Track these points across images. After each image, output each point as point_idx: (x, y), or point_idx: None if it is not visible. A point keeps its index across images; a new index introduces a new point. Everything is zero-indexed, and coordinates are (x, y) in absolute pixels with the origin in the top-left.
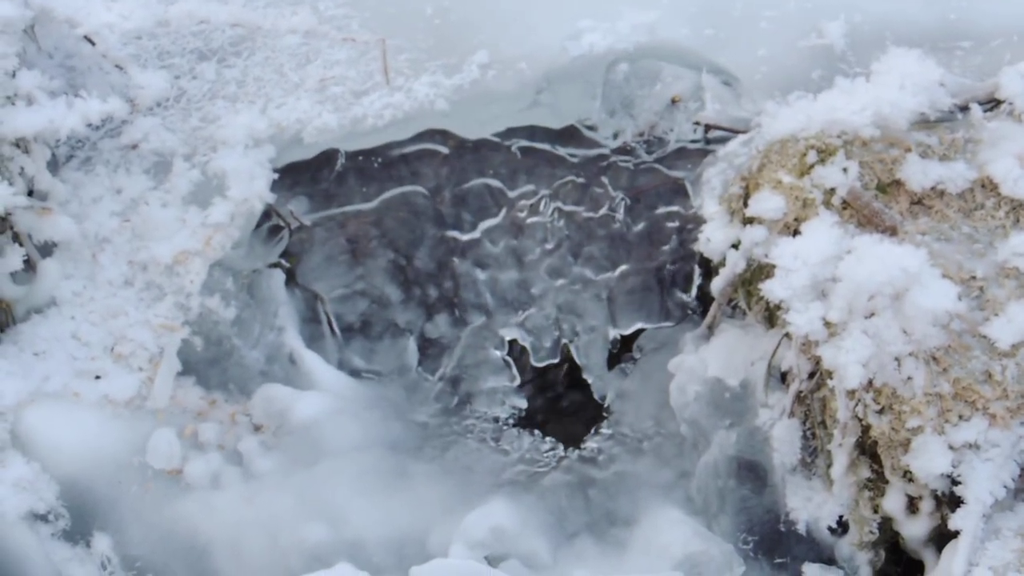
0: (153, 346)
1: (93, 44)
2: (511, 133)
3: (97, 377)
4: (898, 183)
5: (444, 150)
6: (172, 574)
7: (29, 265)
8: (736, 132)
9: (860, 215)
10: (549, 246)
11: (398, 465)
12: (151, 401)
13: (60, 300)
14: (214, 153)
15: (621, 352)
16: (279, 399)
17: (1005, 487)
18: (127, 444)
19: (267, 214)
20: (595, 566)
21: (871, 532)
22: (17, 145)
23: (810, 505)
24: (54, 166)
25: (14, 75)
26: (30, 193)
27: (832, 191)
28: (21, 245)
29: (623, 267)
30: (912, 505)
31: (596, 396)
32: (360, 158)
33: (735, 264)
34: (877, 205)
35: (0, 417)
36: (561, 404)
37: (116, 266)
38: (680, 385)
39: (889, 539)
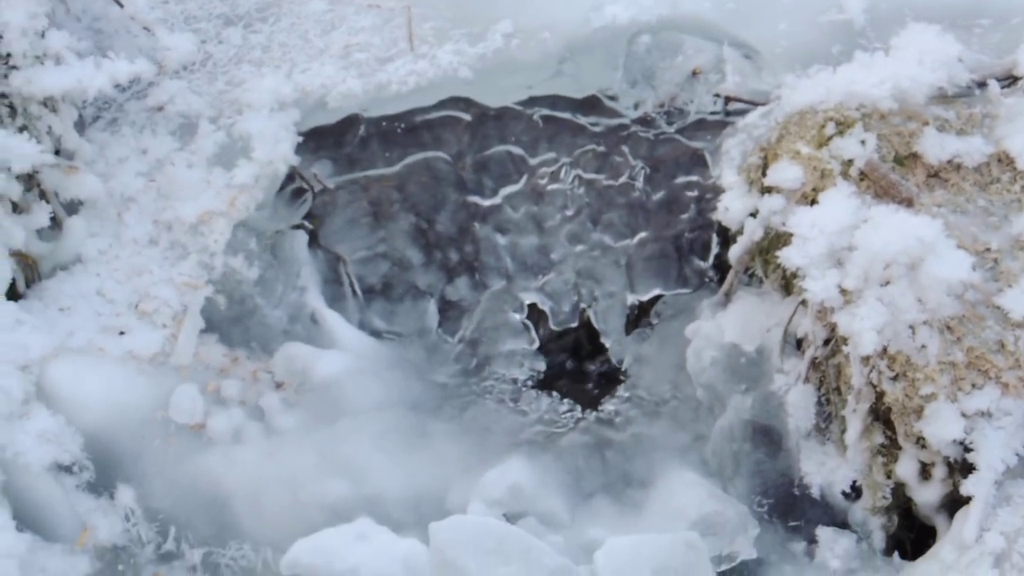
0: (177, 304)
1: (121, 6)
2: (533, 102)
3: (121, 333)
4: (915, 156)
5: (467, 117)
6: (194, 526)
7: (55, 222)
8: (756, 104)
9: (877, 186)
10: (569, 212)
11: (418, 424)
12: (175, 357)
13: (85, 257)
14: (239, 116)
15: (639, 317)
16: (301, 357)
17: (1016, 454)
18: (151, 399)
19: (291, 176)
20: (611, 526)
21: (884, 497)
22: (45, 104)
23: (824, 470)
24: (81, 126)
25: (43, 35)
26: (57, 152)
27: (850, 162)
28: (48, 202)
29: (642, 234)
30: (925, 471)
31: (614, 360)
32: (383, 123)
33: (753, 232)
34: (894, 177)
35: (25, 370)
36: (579, 367)
37: (141, 225)
38: (697, 350)
39: (902, 504)
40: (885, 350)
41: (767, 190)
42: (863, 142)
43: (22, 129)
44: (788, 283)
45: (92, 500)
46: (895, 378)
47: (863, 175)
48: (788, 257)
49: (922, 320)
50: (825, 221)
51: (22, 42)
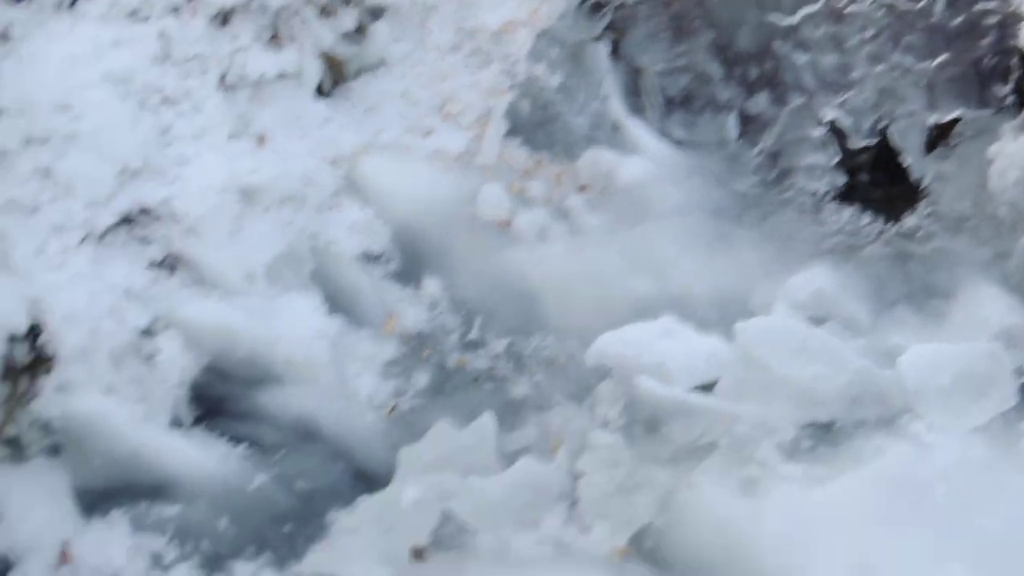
0: (480, 107)
1: None
2: None
3: (427, 133)
4: None
5: None
6: (499, 318)
7: (360, 28)
8: None
9: None
10: (868, 34)
11: (719, 230)
12: (480, 158)
13: (390, 61)
14: None
15: (938, 137)
16: (605, 161)
17: None
18: (457, 196)
19: None
20: (913, 334)
21: None
22: None
23: None
24: None
25: None
26: None
27: None
28: (354, 8)
29: (942, 57)
30: None
31: (913, 177)
32: None
33: None
34: None
35: (336, 165)
36: (879, 183)
37: (444, 32)
38: (1000, 170)
39: None
40: None
41: None
42: None
43: None
44: None
45: (398, 289)
46: None
47: None
48: None
49: None
50: None
51: None
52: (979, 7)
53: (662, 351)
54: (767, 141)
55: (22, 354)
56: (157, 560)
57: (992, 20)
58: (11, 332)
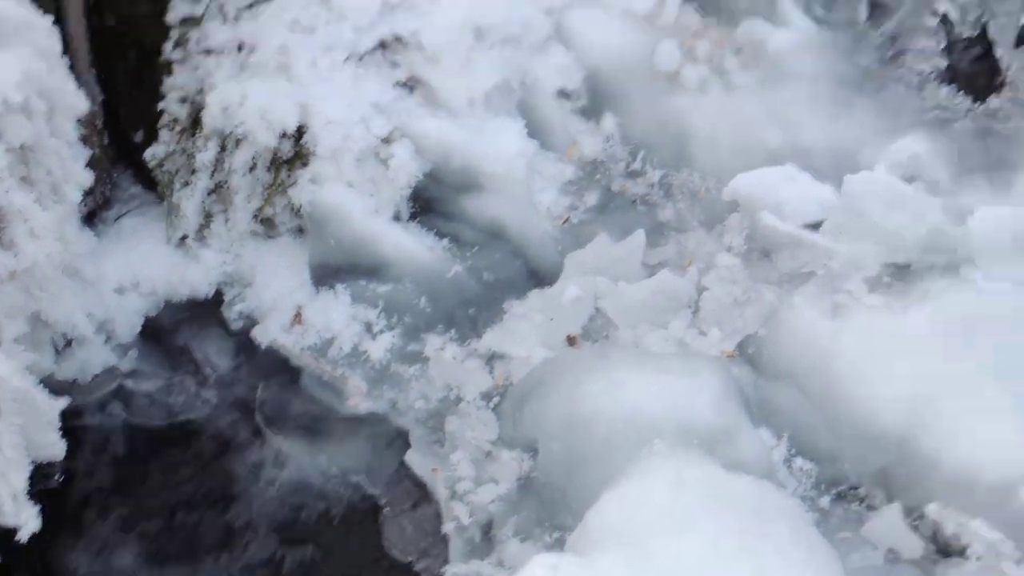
0: None
1: None
2: None
3: None
4: None
5: None
6: (658, 153)
7: None
8: None
9: None
10: None
11: (842, 96)
12: (661, 18)
13: None
14: None
15: None
16: (759, 31)
17: None
18: (640, 49)
19: None
20: (985, 198)
21: None
22: None
23: None
24: None
25: None
26: None
27: None
28: None
29: None
30: None
31: (1003, 66)
32: None
33: None
34: None
35: (549, 14)
36: (973, 68)
37: None
38: None
39: None
40: None
41: None
42: None
43: None
44: None
45: (582, 123)
46: None
47: None
48: None
49: None
50: None
51: None
52: None
53: (783, 193)
54: (889, 25)
55: (287, 149)
56: (368, 328)
57: None
58: (283, 130)
